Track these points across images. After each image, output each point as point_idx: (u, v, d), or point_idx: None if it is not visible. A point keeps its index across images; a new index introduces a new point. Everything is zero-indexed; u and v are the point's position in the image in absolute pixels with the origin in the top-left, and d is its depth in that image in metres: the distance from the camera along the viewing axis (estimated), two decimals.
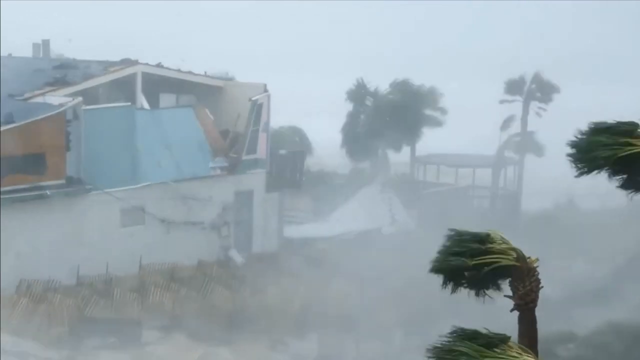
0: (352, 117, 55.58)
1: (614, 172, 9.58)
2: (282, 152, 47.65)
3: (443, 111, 55.04)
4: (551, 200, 54.52)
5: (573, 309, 39.39)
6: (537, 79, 55.46)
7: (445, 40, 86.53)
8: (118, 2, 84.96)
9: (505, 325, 10.10)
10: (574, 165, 9.50)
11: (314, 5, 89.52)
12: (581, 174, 9.49)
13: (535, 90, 55.47)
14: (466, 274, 9.48)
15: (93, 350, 34.79)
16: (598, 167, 9.38)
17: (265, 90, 44.92)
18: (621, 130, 9.34)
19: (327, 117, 55.71)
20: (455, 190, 55.90)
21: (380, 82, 56.01)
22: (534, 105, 55.71)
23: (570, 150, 9.50)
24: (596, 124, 9.48)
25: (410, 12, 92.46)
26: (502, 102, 55.53)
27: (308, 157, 49.38)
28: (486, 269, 9.33)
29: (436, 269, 9.52)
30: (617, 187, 9.76)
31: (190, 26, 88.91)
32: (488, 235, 9.46)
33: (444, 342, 8.70)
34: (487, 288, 9.62)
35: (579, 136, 9.48)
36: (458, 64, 78.66)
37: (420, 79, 55.88)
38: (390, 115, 54.60)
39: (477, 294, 9.64)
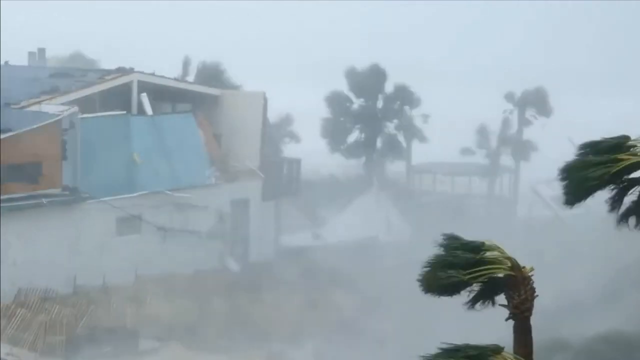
0: (345, 124, 55.64)
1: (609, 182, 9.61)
2: (278, 160, 47.61)
3: (439, 118, 55.15)
4: (547, 207, 54.51)
5: (570, 317, 39.35)
6: (533, 88, 55.59)
7: (444, 47, 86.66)
8: (115, 5, 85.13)
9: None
10: (565, 196, 9.54)
11: (312, 6, 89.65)
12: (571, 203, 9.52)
13: (530, 99, 55.55)
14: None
15: (90, 359, 34.74)
16: (589, 193, 9.39)
17: (265, 99, 44.77)
18: (611, 145, 9.37)
19: (322, 122, 55.73)
20: (451, 198, 55.94)
21: (378, 86, 56.00)
22: (530, 114, 55.79)
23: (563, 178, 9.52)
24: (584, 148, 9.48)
25: (407, 18, 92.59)
26: (498, 110, 55.61)
27: (305, 165, 49.30)
28: (480, 279, 9.32)
29: (427, 285, 9.48)
30: (607, 206, 9.80)
31: (189, 26, 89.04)
32: (483, 244, 9.48)
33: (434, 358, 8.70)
34: (483, 299, 9.61)
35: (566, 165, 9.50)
36: (454, 71, 78.70)
37: (416, 85, 56.00)
38: (385, 122, 54.73)
39: (472, 306, 9.63)
